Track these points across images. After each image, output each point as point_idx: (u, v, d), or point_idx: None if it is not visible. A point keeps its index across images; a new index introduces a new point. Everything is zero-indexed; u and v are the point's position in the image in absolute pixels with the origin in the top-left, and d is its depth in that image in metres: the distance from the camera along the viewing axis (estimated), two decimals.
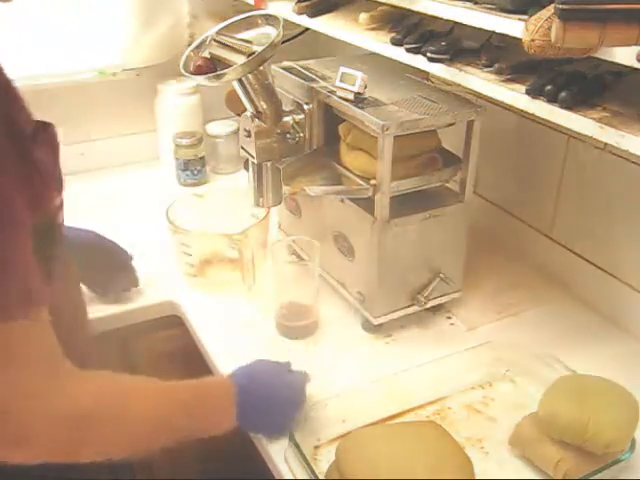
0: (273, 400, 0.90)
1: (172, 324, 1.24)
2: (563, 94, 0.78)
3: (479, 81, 0.90)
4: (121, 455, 0.78)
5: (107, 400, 0.75)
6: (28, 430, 0.68)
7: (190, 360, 1.13)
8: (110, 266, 1.19)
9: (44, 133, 0.80)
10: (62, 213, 0.83)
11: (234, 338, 1.13)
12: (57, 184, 0.81)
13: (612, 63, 0.70)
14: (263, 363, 0.96)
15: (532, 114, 0.82)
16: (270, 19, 1.05)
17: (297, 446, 0.86)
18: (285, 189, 1.09)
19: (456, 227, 1.11)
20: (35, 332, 0.68)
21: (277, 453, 0.89)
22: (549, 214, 1.28)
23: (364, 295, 1.11)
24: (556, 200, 1.25)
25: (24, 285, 0.66)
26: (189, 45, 1.09)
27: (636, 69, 0.67)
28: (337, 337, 1.13)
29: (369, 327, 1.13)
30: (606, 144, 0.76)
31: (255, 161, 1.11)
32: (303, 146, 1.13)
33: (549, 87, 0.79)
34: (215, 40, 1.05)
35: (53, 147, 0.81)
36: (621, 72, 0.81)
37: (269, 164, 1.11)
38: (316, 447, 0.91)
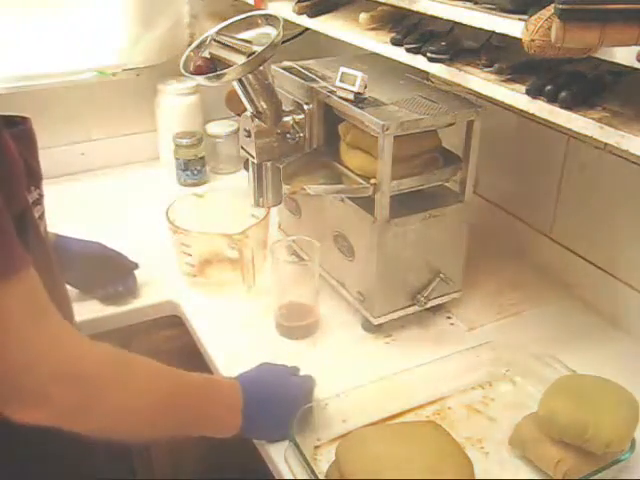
0: (278, 408, 0.90)
1: (172, 324, 1.24)
2: (563, 94, 0.78)
3: (479, 81, 0.90)
4: (126, 428, 0.77)
5: (113, 365, 0.75)
6: (42, 391, 0.68)
7: (190, 360, 1.13)
8: (111, 273, 1.20)
9: (21, 127, 0.80)
10: (41, 207, 0.83)
11: (234, 338, 1.13)
12: (35, 178, 0.81)
13: (612, 63, 0.70)
14: (268, 368, 0.96)
15: (532, 114, 0.82)
16: (270, 19, 1.05)
17: (297, 446, 0.85)
18: (285, 188, 1.09)
19: (456, 227, 1.11)
20: (25, 293, 0.68)
21: (277, 453, 0.89)
22: (549, 214, 1.28)
23: (364, 295, 1.11)
24: (556, 200, 1.25)
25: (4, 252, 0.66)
26: (189, 45, 1.09)
27: (636, 69, 0.67)
28: (337, 337, 1.13)
29: (369, 327, 1.13)
30: (606, 144, 0.76)
31: (255, 161, 1.11)
32: (303, 146, 1.13)
33: (549, 87, 0.79)
34: (215, 40, 1.06)
35: (29, 141, 0.81)
36: (621, 72, 0.80)
37: (269, 164, 1.11)
38: (316, 447, 0.91)
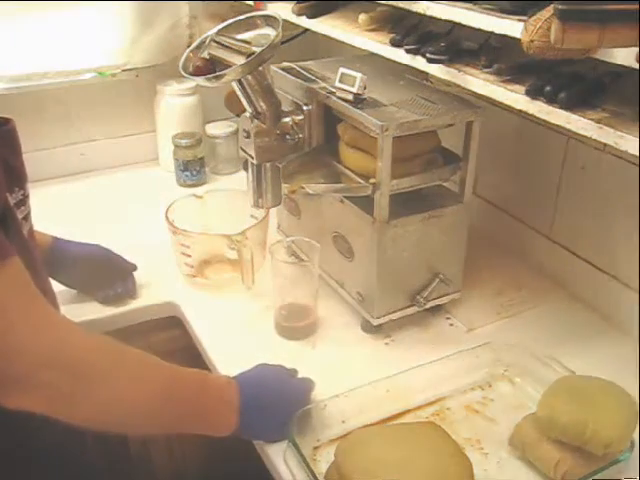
0: (277, 408, 0.89)
1: (171, 325, 1.24)
2: (562, 95, 0.78)
3: (478, 82, 0.90)
4: (118, 419, 0.76)
5: (106, 354, 0.75)
6: (32, 376, 0.68)
7: (189, 361, 1.13)
8: (110, 275, 1.19)
9: (2, 128, 0.80)
10: (26, 208, 0.82)
11: (233, 339, 1.13)
12: (19, 179, 0.81)
13: (611, 64, 0.70)
14: (266, 368, 0.96)
15: (532, 115, 0.82)
16: (269, 20, 1.05)
17: (296, 447, 0.86)
18: (284, 187, 1.09)
19: (456, 227, 1.11)
20: (15, 279, 0.68)
21: (276, 454, 0.89)
22: (549, 214, 1.28)
23: (363, 296, 1.11)
24: (556, 200, 1.25)
25: None
26: (188, 46, 1.09)
27: (635, 70, 0.67)
28: (336, 338, 1.13)
29: (368, 328, 1.13)
30: (605, 145, 0.76)
31: (254, 162, 1.11)
32: (302, 147, 1.13)
33: (548, 88, 0.79)
34: (214, 41, 1.05)
35: (12, 141, 0.81)
36: (620, 73, 0.80)
37: (268, 165, 1.11)
38: (315, 448, 0.91)
